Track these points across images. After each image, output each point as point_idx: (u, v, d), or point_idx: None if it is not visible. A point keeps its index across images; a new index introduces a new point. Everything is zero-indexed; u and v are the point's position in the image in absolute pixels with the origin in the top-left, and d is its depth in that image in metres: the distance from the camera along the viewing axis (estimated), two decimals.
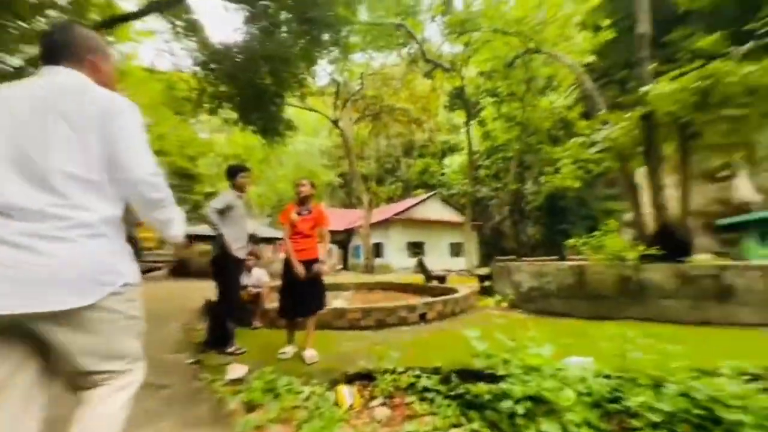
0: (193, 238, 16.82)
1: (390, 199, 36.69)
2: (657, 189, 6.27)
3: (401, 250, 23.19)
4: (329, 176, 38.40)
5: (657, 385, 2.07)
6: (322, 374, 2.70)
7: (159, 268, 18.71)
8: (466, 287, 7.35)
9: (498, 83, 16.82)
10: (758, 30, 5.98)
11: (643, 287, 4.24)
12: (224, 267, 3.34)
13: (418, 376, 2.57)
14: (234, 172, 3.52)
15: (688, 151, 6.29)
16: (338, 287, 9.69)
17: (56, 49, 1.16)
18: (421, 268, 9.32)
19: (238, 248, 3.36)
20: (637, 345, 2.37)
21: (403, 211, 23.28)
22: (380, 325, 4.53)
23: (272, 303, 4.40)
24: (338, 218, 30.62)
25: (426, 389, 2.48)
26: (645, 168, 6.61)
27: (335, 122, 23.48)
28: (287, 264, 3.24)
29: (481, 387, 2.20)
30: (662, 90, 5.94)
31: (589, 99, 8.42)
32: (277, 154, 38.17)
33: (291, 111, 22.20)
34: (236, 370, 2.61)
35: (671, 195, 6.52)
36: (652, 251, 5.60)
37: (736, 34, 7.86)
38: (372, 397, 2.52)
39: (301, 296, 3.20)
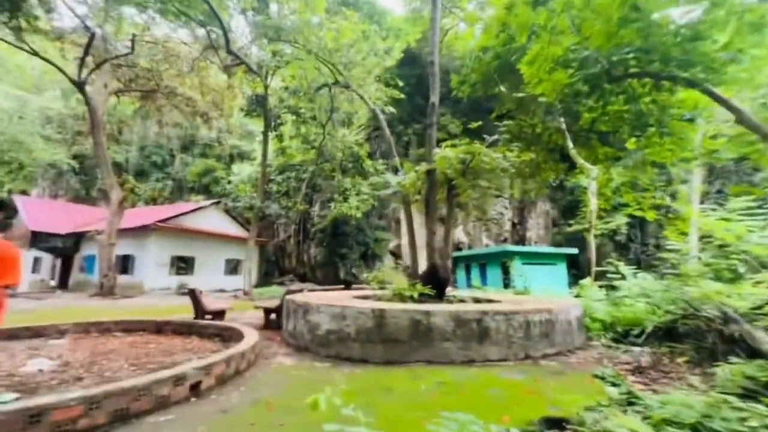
0: None
1: (153, 200, 29.65)
2: (431, 233, 7.40)
3: (162, 265, 18.70)
4: (56, 155, 27.22)
5: None
6: None
7: None
8: (250, 328, 6.22)
9: (302, 104, 16.76)
10: (498, 127, 8.27)
11: (430, 330, 4.62)
12: None
13: None
14: None
15: (452, 204, 7.83)
16: (41, 331, 6.29)
17: None
18: (193, 300, 7.42)
19: None
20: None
21: (171, 218, 19.00)
22: (121, 418, 2.89)
23: None
24: (62, 215, 22.00)
25: None
26: (423, 213, 7.74)
27: (79, 84, 16.90)
28: None
29: None
30: (445, 154, 7.12)
31: (384, 143, 9.35)
32: None
33: None
34: None
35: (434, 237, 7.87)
36: (426, 290, 6.42)
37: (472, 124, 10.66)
38: None
39: None
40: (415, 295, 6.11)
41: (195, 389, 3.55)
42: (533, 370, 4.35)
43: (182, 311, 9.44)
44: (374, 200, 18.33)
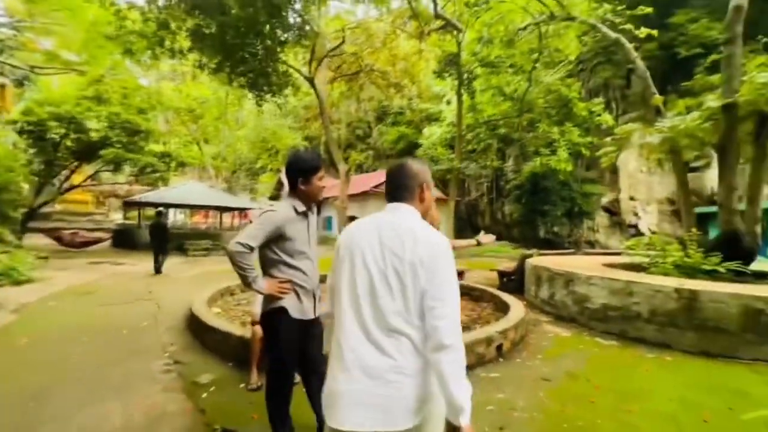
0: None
1: (359, 167, 35.00)
2: (729, 190, 5.60)
3: None
4: (294, 139, 35.45)
5: None
6: None
7: (101, 240, 16.01)
8: (495, 290, 6.44)
9: (496, 51, 15.51)
10: None
11: None
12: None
13: None
14: (300, 171, 2.03)
15: (765, 148, 5.63)
16: None
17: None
18: None
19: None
20: None
21: (381, 184, 21.92)
22: None
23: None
24: None
25: None
26: (718, 164, 5.90)
27: (310, 80, 20.90)
28: None
29: None
30: (759, 79, 5.08)
31: (638, 77, 7.51)
32: (233, 112, 34.23)
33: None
34: None
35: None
36: (733, 265, 4.97)
37: None
38: None
39: None
40: (722, 270, 4.80)
41: (499, 351, 3.88)
42: None
43: None
44: (587, 149, 15.74)
